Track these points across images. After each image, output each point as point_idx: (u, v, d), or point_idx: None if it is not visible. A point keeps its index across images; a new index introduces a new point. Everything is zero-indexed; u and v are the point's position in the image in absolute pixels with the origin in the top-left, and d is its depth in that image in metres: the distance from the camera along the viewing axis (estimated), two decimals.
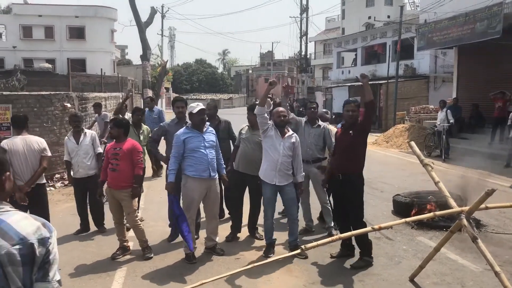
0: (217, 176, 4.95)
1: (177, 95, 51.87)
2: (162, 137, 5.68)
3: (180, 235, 4.70)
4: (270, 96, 5.28)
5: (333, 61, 34.28)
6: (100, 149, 6.03)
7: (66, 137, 6.02)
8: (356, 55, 31.15)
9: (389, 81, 23.66)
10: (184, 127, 4.86)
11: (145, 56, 29.56)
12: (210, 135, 4.90)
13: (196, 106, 4.79)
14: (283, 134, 4.98)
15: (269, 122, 4.96)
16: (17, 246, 1.49)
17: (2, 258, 1.47)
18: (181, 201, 4.87)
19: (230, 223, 5.87)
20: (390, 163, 12.16)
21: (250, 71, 76.40)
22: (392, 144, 16.21)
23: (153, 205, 7.41)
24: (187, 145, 4.73)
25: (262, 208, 5.40)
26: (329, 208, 5.92)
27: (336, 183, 4.83)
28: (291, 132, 5.08)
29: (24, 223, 1.54)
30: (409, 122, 18.57)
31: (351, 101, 4.86)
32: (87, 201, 6.02)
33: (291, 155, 4.99)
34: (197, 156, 4.73)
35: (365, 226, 4.61)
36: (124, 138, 5.10)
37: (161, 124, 5.76)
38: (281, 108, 5.09)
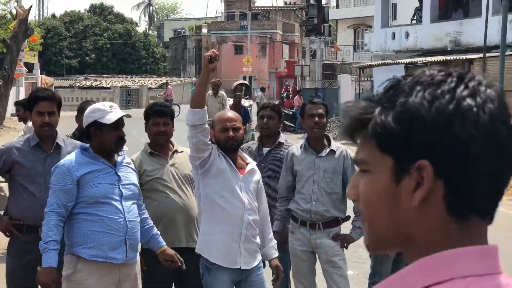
0: (138, 258, 5.25)
1: (48, 79, 51.24)
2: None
3: None
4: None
5: (375, 13, 34.97)
6: None
7: None
8: (421, 1, 31.68)
9: (487, 54, 23.89)
10: (78, 150, 5.09)
11: None
12: (128, 171, 5.23)
13: (108, 110, 5.02)
14: (237, 165, 5.44)
15: (209, 145, 5.30)
16: None
17: None
18: None
19: None
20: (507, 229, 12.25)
21: (205, 31, 76.64)
22: None
23: None
24: (85, 189, 4.93)
25: None
26: None
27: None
28: (250, 162, 5.59)
29: None
30: None
31: None
32: None
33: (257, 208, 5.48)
34: (103, 216, 4.95)
35: None
36: None
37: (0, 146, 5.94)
38: (229, 113, 5.65)
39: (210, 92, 19.00)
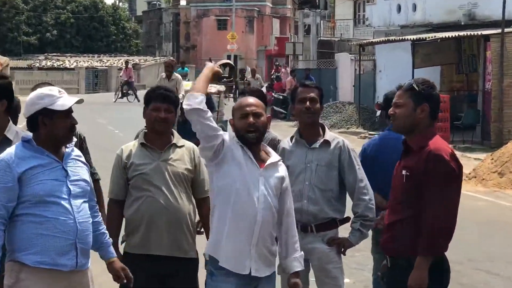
0: (89, 265, 5.25)
1: (3, 59, 50.00)
2: None
3: None
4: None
5: None
6: None
7: None
8: None
9: (505, 29, 23.74)
10: (19, 143, 5.12)
11: None
12: (78, 165, 5.20)
13: (58, 95, 5.03)
14: (259, 158, 5.35)
15: (218, 130, 5.37)
16: None
17: None
18: None
19: None
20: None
21: (183, 3, 75.64)
22: None
23: None
24: (27, 186, 4.90)
25: None
26: None
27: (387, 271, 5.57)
28: (274, 155, 5.52)
29: None
30: None
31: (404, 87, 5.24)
32: None
33: (279, 210, 5.46)
34: (49, 217, 4.92)
35: None
36: None
37: None
38: (250, 99, 5.56)
39: (163, 74, 18.98)
